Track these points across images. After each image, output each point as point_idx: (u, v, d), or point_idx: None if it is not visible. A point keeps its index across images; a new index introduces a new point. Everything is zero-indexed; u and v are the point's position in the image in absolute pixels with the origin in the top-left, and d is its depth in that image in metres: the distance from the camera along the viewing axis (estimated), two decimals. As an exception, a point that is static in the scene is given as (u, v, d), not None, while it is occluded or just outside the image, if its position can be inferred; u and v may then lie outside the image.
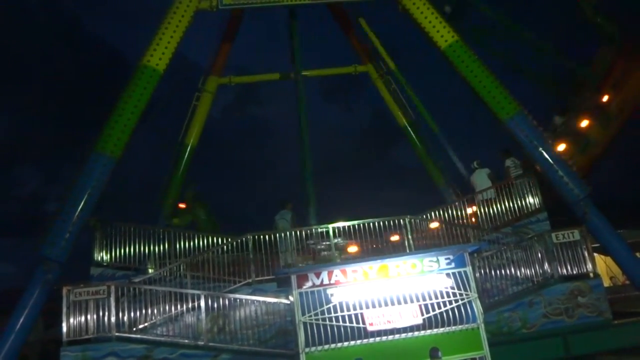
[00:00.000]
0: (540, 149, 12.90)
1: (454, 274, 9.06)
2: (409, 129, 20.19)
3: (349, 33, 20.65)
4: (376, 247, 12.48)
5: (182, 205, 17.05)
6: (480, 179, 14.05)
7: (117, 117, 12.33)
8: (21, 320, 10.86)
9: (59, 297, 10.16)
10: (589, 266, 11.31)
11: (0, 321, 11.38)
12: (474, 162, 14.79)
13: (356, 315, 8.60)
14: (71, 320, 9.94)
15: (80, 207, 11.53)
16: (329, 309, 8.56)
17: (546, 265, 11.35)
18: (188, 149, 18.65)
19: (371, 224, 12.38)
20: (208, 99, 19.25)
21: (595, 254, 12.23)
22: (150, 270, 12.20)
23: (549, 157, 12.85)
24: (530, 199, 13.22)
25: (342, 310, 8.57)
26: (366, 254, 12.12)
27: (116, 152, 12.15)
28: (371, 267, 9.01)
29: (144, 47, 13.12)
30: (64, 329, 9.92)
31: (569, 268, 11.27)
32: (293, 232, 12.60)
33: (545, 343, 10.72)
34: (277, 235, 12.47)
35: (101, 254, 12.38)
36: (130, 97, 12.52)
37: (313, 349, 8.28)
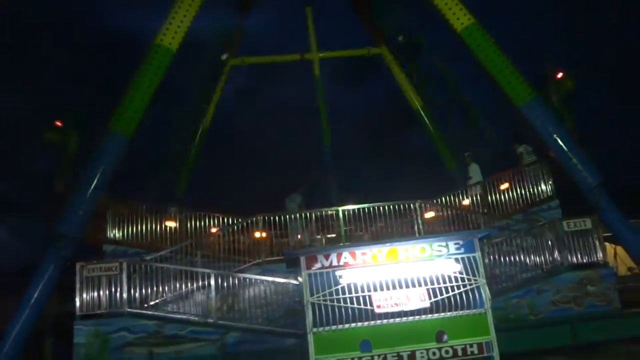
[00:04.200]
0: (555, 135, 12.73)
1: (462, 259, 9.01)
2: (422, 111, 20.04)
3: (363, 15, 20.41)
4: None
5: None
6: (475, 172, 14.37)
7: (130, 97, 12.38)
8: (35, 294, 11.05)
9: (72, 272, 10.35)
10: (600, 255, 11.24)
11: (16, 300, 11.57)
12: (466, 153, 14.82)
13: (364, 297, 8.61)
14: (84, 295, 10.15)
15: (94, 184, 11.66)
16: (337, 290, 8.59)
17: (556, 253, 11.29)
18: (200, 130, 18.74)
19: (381, 207, 12.38)
20: (221, 79, 19.24)
21: (606, 243, 12.13)
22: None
23: (564, 143, 12.69)
24: (542, 186, 13.12)
25: (350, 292, 8.59)
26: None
27: (129, 130, 12.22)
28: (380, 250, 9.01)
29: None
30: (77, 303, 10.15)
31: (579, 256, 11.22)
32: (302, 215, 12.67)
33: (553, 330, 10.69)
34: (287, 216, 12.55)
35: (114, 232, 12.57)
36: (143, 76, 12.54)
37: (321, 329, 8.34)
